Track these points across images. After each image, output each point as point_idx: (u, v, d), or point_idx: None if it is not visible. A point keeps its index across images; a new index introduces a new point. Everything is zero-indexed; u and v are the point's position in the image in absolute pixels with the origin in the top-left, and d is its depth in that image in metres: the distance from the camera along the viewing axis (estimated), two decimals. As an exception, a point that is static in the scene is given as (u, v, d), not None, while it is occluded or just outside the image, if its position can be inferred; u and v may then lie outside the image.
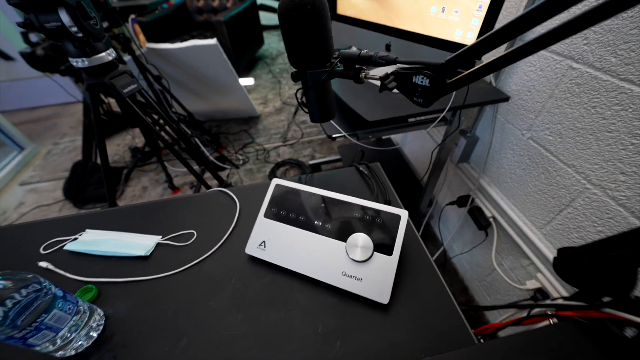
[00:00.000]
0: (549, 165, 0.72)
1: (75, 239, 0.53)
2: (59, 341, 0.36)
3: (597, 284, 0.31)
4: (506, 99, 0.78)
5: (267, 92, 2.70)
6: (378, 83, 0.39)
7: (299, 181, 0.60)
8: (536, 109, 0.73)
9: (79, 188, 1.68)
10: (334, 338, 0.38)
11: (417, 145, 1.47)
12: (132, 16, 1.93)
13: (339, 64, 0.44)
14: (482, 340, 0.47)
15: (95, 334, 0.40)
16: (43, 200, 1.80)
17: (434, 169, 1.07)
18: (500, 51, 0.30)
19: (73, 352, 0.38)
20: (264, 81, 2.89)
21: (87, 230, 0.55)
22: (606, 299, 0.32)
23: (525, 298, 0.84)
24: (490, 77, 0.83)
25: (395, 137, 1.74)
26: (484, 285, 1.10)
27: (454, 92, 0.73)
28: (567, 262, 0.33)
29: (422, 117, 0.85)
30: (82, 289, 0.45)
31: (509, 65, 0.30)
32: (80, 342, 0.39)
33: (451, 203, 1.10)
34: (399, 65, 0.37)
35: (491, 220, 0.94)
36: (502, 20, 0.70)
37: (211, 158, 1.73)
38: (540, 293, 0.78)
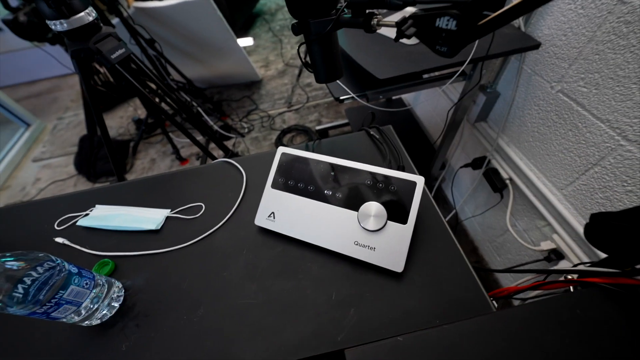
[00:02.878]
0: (580, 120, 0.66)
1: (87, 214, 0.53)
2: (83, 312, 0.38)
3: (633, 251, 0.29)
4: (537, 46, 0.69)
5: (268, 53, 2.53)
6: (392, 33, 0.34)
7: (306, 148, 0.57)
8: (571, 56, 0.64)
9: (89, 163, 1.70)
10: (348, 305, 0.38)
11: (430, 104, 1.37)
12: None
13: (345, 11, 0.38)
14: (495, 303, 0.46)
15: (117, 304, 0.42)
16: (57, 175, 1.84)
17: (448, 130, 1.01)
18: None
19: (98, 322, 0.40)
20: (263, 41, 2.70)
21: (97, 206, 0.55)
22: (639, 266, 0.30)
23: (538, 259, 0.84)
24: (519, 21, 0.72)
25: (407, 98, 1.63)
26: (495, 246, 1.10)
27: (476, 42, 0.65)
28: (601, 227, 0.30)
29: (438, 73, 0.77)
30: (99, 263, 0.46)
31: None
32: (104, 312, 0.40)
33: (465, 165, 1.05)
34: (419, 6, 0.31)
35: (507, 182, 0.91)
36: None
37: (215, 127, 1.69)
38: (555, 254, 0.77)
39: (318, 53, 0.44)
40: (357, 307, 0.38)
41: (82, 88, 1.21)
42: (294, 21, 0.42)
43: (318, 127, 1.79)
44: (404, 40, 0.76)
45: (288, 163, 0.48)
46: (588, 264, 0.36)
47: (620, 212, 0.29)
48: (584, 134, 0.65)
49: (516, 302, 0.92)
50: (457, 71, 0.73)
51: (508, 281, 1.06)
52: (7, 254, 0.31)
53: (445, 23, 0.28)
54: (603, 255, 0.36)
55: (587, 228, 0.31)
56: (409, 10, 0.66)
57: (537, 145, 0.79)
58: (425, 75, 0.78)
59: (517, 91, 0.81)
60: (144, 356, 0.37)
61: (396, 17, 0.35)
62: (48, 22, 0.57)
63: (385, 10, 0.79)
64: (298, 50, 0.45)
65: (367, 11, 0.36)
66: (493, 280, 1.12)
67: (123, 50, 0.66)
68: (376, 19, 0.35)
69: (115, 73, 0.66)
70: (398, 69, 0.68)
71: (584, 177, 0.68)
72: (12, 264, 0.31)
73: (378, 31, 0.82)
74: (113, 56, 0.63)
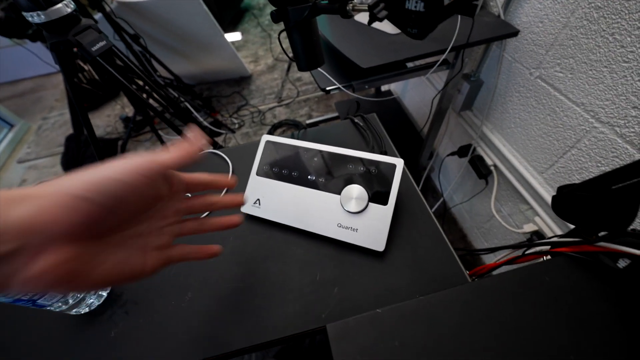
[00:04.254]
0: (557, 105, 0.68)
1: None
2: (70, 300, 0.38)
3: (594, 219, 0.31)
4: (515, 33, 0.71)
5: (257, 49, 2.51)
6: (389, 28, 0.35)
7: (292, 137, 0.58)
8: (547, 42, 0.66)
9: (76, 162, 1.67)
10: (332, 285, 0.40)
11: (417, 94, 1.39)
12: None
13: (323, -3, 0.39)
14: (476, 280, 0.48)
15: (104, 293, 0.42)
16: (44, 176, 1.81)
17: (434, 119, 1.03)
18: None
19: (87, 310, 0.40)
20: (252, 36, 2.67)
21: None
22: (602, 234, 0.32)
23: (522, 241, 0.87)
24: (498, 9, 0.74)
25: (396, 88, 1.64)
26: (482, 232, 1.13)
27: (457, 30, 0.66)
28: (566, 198, 0.32)
29: (422, 62, 0.78)
30: (87, 254, 0.46)
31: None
32: (91, 300, 0.41)
33: (452, 154, 1.07)
34: (390, -11, 0.32)
35: (492, 168, 0.93)
36: None
37: (205, 123, 1.68)
38: (537, 235, 0.80)
39: (298, 40, 0.45)
40: (341, 286, 0.39)
41: (66, 85, 1.19)
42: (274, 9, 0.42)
43: (309, 121, 1.80)
44: (387, 30, 0.77)
45: (272, 150, 0.49)
46: (558, 237, 0.38)
47: (583, 183, 0.31)
48: (561, 117, 0.68)
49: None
50: (439, 60, 0.74)
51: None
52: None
53: (414, 5, 0.29)
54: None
55: (554, 200, 0.33)
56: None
57: (518, 131, 0.82)
58: (409, 64, 0.79)
59: (499, 79, 0.83)
60: (133, 341, 0.38)
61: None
62: (25, 14, 0.56)
63: None
64: (279, 37, 0.46)
65: (342, -4, 0.36)
66: (480, 264, 1.15)
67: (104, 42, 0.65)
68: (351, 4, 0.36)
69: (97, 67, 0.65)
70: (381, 58, 0.69)
71: (562, 160, 0.70)
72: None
73: (361, 21, 0.82)
74: (94, 48, 0.62)
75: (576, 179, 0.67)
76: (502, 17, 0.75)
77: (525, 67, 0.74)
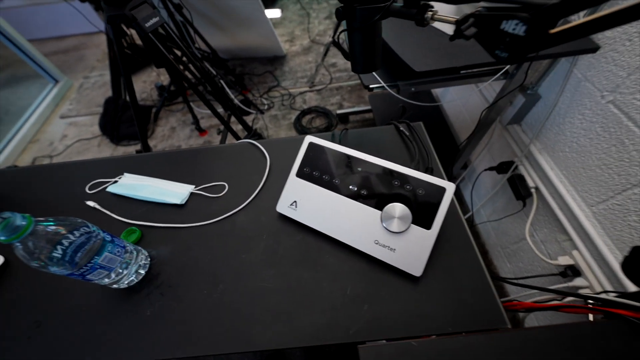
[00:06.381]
0: (627, 137, 0.61)
1: (116, 181, 0.55)
2: (113, 276, 0.40)
3: (674, 291, 0.28)
4: (594, 49, 0.63)
5: (294, 27, 2.44)
6: (439, 24, 0.31)
7: (332, 138, 0.56)
8: (632, 64, 0.58)
9: (113, 125, 1.74)
10: (362, 301, 0.39)
11: (460, 101, 1.31)
12: None
13: (397, -1, 0.35)
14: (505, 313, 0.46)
15: (143, 272, 0.44)
16: (83, 134, 1.91)
17: (477, 129, 0.96)
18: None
19: (126, 286, 0.43)
20: (290, 13, 2.58)
21: (125, 174, 0.56)
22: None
23: (552, 272, 0.82)
24: (579, 17, 0.66)
25: (435, 92, 1.55)
26: (507, 253, 1.08)
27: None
28: (643, 263, 0.29)
29: (478, 70, 0.72)
30: (127, 230, 0.48)
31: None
32: (131, 278, 0.43)
33: (490, 168, 1.01)
34: (482, 3, 0.29)
35: (533, 190, 0.87)
36: None
37: (236, 101, 1.68)
38: (572, 270, 0.75)
39: (359, 42, 0.42)
40: (371, 305, 0.39)
41: (112, 51, 1.21)
42: (339, 5, 0.39)
43: (339, 111, 1.75)
44: (446, 29, 0.71)
45: (314, 153, 0.47)
46: (614, 294, 0.35)
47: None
48: (629, 151, 0.61)
49: (526, 316, 0.92)
50: (500, 69, 0.68)
51: (515, 289, 1.05)
52: (50, 219, 0.33)
53: (512, 27, 0.26)
54: (631, 287, 0.34)
55: (626, 261, 0.30)
56: (470, 7, 0.60)
57: (572, 157, 0.75)
58: (464, 71, 0.73)
59: (562, 96, 0.75)
60: (167, 323, 0.40)
61: (454, 11, 0.32)
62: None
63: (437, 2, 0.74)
64: (335, 38, 0.43)
65: (422, 2, 0.33)
66: (498, 286, 1.12)
67: (157, 19, 0.64)
68: (431, 12, 0.32)
69: (147, 41, 0.65)
70: (437, 62, 0.64)
71: (619, 197, 0.64)
72: (52, 228, 0.33)
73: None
74: (147, 24, 0.62)
75: (633, 220, 0.62)
76: (581, 28, 0.66)
77: (597, 88, 0.66)
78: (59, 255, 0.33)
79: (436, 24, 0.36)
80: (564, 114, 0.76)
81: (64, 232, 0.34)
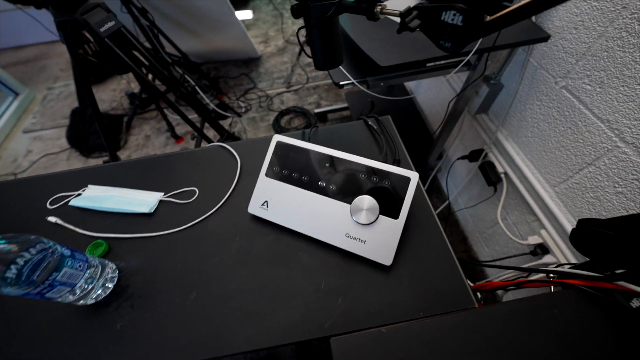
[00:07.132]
0: (580, 119, 0.65)
1: (79, 194, 0.53)
2: (78, 291, 0.38)
3: (615, 257, 0.30)
4: (546, 38, 0.67)
5: (267, 28, 2.42)
6: (396, 20, 0.32)
7: (302, 136, 0.56)
8: (579, 51, 0.62)
9: (81, 137, 1.66)
10: (336, 295, 0.39)
11: (432, 93, 1.35)
12: None
13: (349, -6, 0.36)
14: (479, 295, 0.48)
15: (111, 285, 0.43)
16: (49, 148, 1.80)
17: (448, 120, 1.00)
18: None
19: (93, 301, 0.41)
20: (264, 14, 2.56)
21: (90, 186, 0.54)
22: (620, 272, 0.31)
23: (524, 252, 0.86)
24: (530, 10, 0.69)
25: (409, 85, 1.59)
26: (484, 237, 1.13)
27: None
28: (587, 233, 0.31)
29: (443, 62, 0.75)
30: (93, 244, 0.46)
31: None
32: (98, 292, 0.41)
33: (462, 157, 1.05)
34: (425, -5, 0.30)
35: (502, 176, 0.91)
36: None
37: (211, 106, 1.65)
38: (541, 248, 0.80)
39: (318, 38, 0.42)
40: (345, 297, 0.39)
41: (72, 61, 1.16)
42: (295, 2, 0.39)
43: (317, 110, 1.76)
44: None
45: (283, 152, 0.47)
46: (569, 266, 0.37)
47: (608, 220, 0.30)
48: (582, 132, 0.65)
49: (504, 295, 0.95)
50: (462, 61, 0.71)
51: (494, 271, 1.10)
52: (-2, 237, 0.31)
53: (451, 17, 0.27)
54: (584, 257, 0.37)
55: (573, 233, 0.32)
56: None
57: (535, 141, 0.79)
58: (430, 64, 0.76)
59: (521, 84, 0.79)
60: (137, 335, 0.39)
61: (402, 5, 0.33)
62: (30, -14, 0.53)
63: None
64: (297, 34, 0.43)
65: (371, -3, 0.34)
66: (480, 271, 1.16)
67: (113, 23, 0.61)
68: (380, 6, 0.33)
69: (105, 47, 0.62)
70: (401, 57, 0.66)
71: (577, 176, 0.68)
72: (3, 246, 0.31)
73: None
74: (102, 29, 0.59)
75: (590, 196, 0.66)
76: (534, 19, 0.70)
77: (551, 75, 0.70)
78: (13, 276, 0.31)
79: (397, 19, 0.37)
80: (524, 101, 0.80)
81: (16, 249, 0.32)
